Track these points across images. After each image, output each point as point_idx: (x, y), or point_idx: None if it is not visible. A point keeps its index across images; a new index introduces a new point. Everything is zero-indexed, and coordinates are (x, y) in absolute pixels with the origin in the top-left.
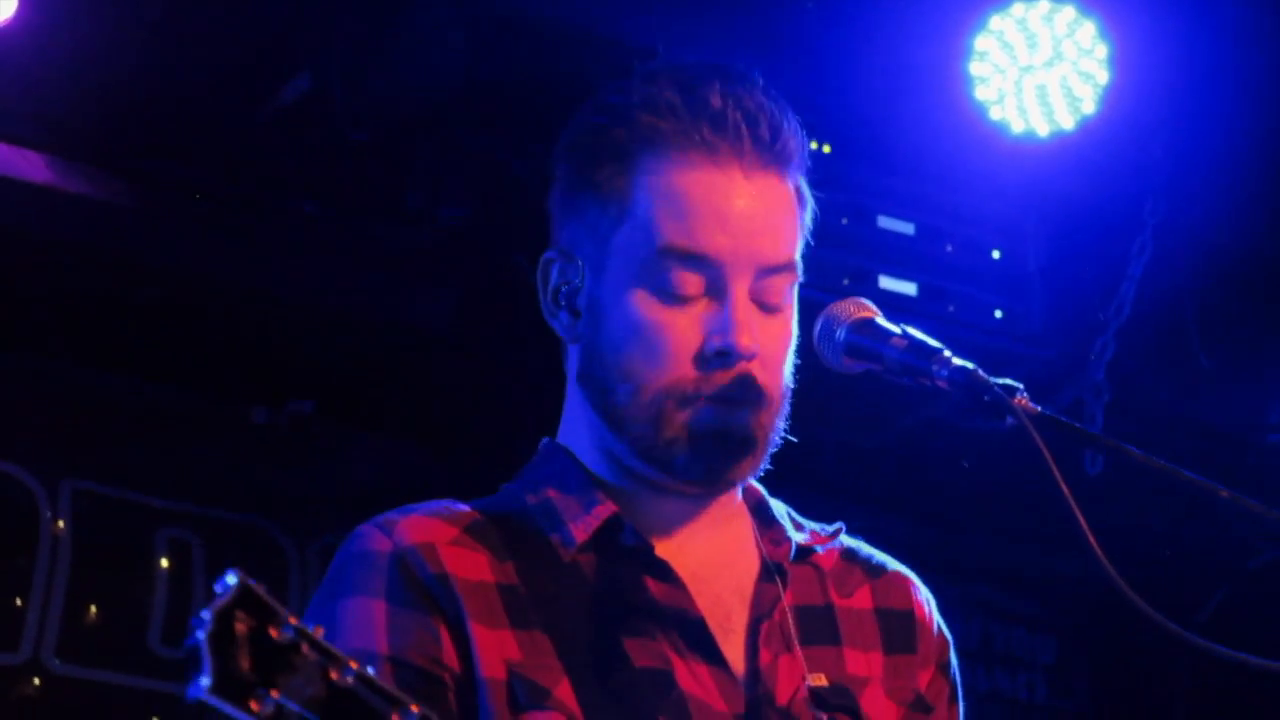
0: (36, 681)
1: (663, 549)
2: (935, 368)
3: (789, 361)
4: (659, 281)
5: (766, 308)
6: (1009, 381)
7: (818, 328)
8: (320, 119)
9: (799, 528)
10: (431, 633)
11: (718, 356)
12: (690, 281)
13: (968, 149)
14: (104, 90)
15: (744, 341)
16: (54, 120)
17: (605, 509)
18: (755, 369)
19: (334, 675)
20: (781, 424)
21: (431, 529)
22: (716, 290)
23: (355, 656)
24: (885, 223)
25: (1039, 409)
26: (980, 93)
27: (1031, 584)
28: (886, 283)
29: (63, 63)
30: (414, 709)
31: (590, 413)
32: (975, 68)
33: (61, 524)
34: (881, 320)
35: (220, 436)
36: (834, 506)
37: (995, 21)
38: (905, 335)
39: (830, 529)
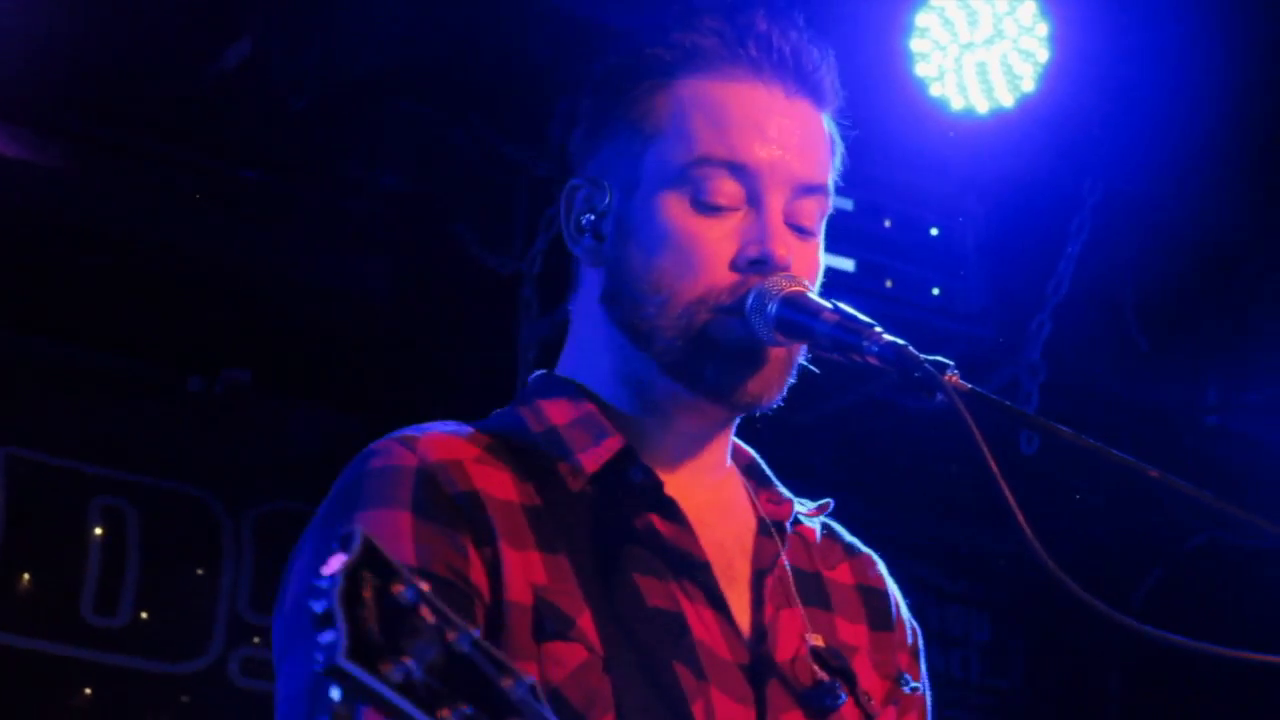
0: None
1: (669, 488)
2: (866, 343)
3: (818, 290)
4: (694, 190)
5: (799, 230)
6: (939, 358)
7: (749, 301)
8: (260, 85)
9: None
10: (459, 549)
11: (752, 265)
12: (726, 191)
13: (907, 125)
14: (42, 53)
15: (780, 251)
16: None
17: (615, 441)
18: None
19: (450, 637)
20: (802, 354)
21: (456, 446)
22: (752, 201)
23: None
24: None
25: (970, 386)
26: (920, 69)
27: (966, 562)
28: (824, 258)
29: (1, 26)
30: (526, 677)
31: (614, 332)
32: (916, 44)
33: None
34: (813, 295)
35: (156, 405)
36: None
37: None
38: (836, 310)
39: (818, 504)
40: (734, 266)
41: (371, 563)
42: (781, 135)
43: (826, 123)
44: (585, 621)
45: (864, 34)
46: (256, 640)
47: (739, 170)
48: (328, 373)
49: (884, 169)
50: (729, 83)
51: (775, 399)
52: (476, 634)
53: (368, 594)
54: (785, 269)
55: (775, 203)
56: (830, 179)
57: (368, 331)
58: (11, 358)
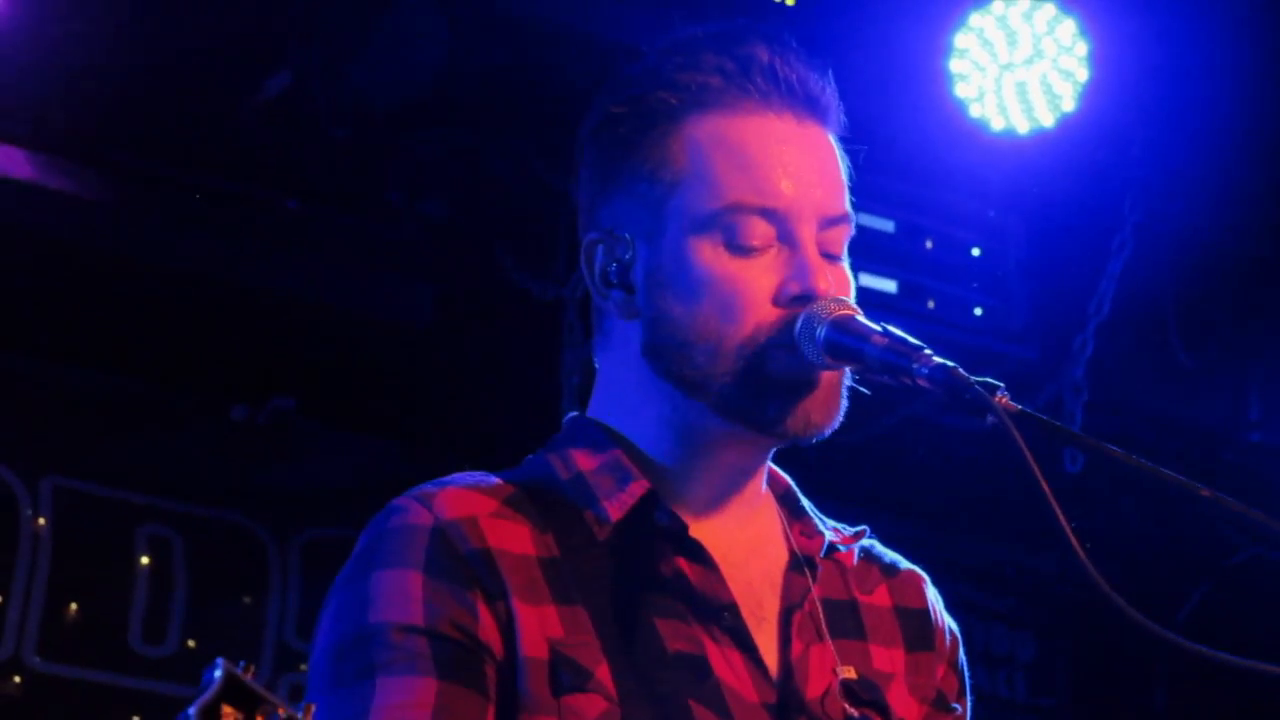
0: (17, 679)
1: (696, 530)
2: (916, 366)
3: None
4: (727, 235)
5: (830, 258)
6: (989, 380)
7: (798, 325)
8: (302, 115)
9: (823, 524)
10: (469, 609)
11: (796, 301)
12: (759, 232)
13: (948, 146)
14: (85, 86)
15: (822, 285)
16: (35, 116)
17: (640, 486)
18: None
19: None
20: (849, 376)
21: (472, 501)
22: (784, 237)
23: (391, 629)
24: (865, 220)
25: (1019, 407)
26: (960, 90)
27: (1011, 581)
28: (866, 280)
29: (44, 58)
30: None
31: (661, 383)
32: (955, 65)
33: (43, 521)
34: (862, 318)
35: (201, 433)
36: (815, 503)
37: (975, 19)
38: (886, 333)
39: (854, 530)
40: (777, 302)
41: (232, 695)
42: (801, 169)
43: (835, 144)
44: (603, 672)
45: (904, 56)
46: (303, 667)
47: (769, 213)
48: (372, 400)
49: (925, 190)
50: (740, 117)
51: (833, 425)
52: None
53: None
54: (829, 297)
55: (808, 237)
56: (848, 202)
57: (411, 358)
58: (57, 388)
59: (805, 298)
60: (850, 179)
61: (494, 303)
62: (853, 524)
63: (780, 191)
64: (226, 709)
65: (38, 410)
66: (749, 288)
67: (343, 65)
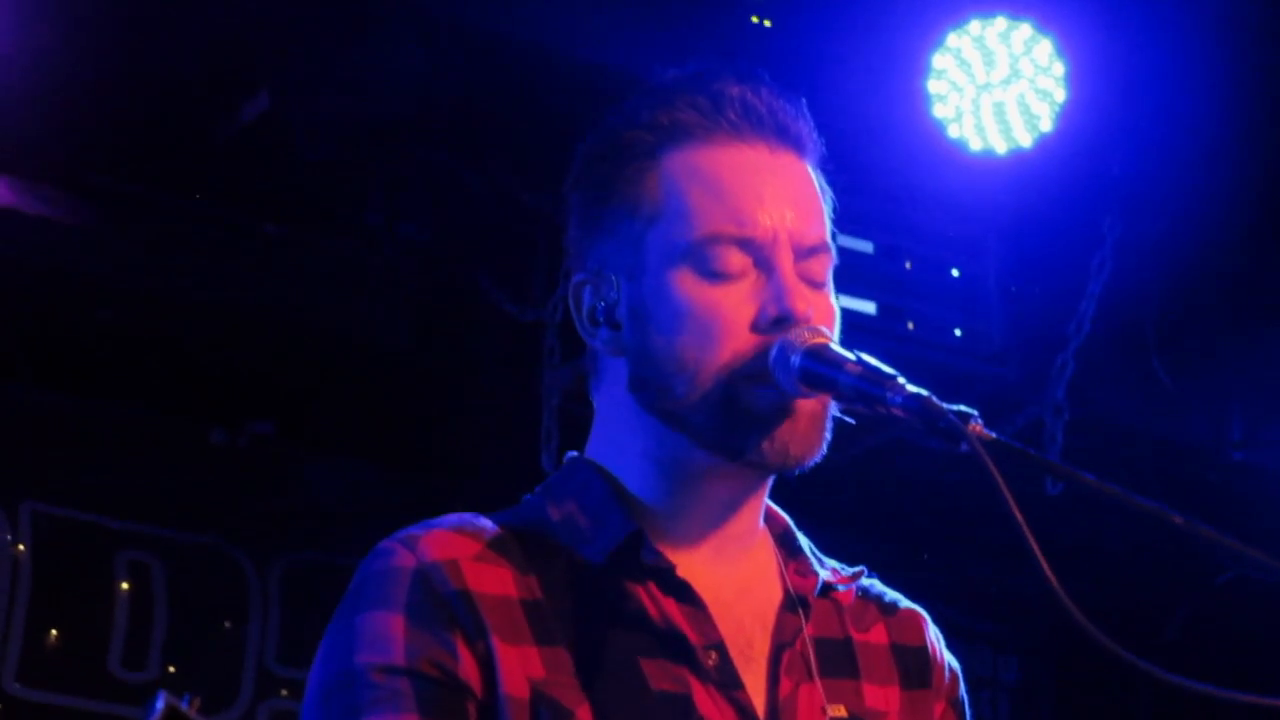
0: None
1: (685, 570)
2: (889, 395)
3: (837, 337)
4: (703, 265)
5: (812, 285)
6: (963, 408)
7: (773, 354)
8: (279, 137)
9: (821, 564)
10: (449, 649)
11: (775, 324)
12: (735, 260)
13: (926, 167)
14: (62, 110)
15: (800, 306)
16: (11, 140)
17: (628, 525)
18: None
19: None
20: (834, 405)
21: (454, 544)
22: (761, 265)
23: (374, 669)
24: (844, 241)
25: (993, 435)
26: (938, 110)
27: (995, 604)
28: (845, 301)
29: (20, 81)
30: None
31: (646, 418)
32: (933, 85)
33: (22, 547)
34: (836, 346)
35: (180, 457)
36: (796, 524)
37: (953, 39)
38: (860, 361)
39: (851, 570)
40: (755, 328)
41: None
42: (776, 198)
43: (813, 172)
44: (584, 713)
45: (882, 76)
46: (284, 692)
47: (744, 242)
48: (351, 423)
49: (903, 211)
50: (714, 149)
51: (816, 456)
52: None
53: None
54: (808, 322)
55: (786, 264)
56: (828, 231)
57: (390, 381)
58: (35, 412)
59: (783, 320)
60: (831, 209)
61: (473, 325)
62: (836, 548)
63: (756, 220)
64: None
65: (15, 435)
66: (726, 315)
67: (320, 88)
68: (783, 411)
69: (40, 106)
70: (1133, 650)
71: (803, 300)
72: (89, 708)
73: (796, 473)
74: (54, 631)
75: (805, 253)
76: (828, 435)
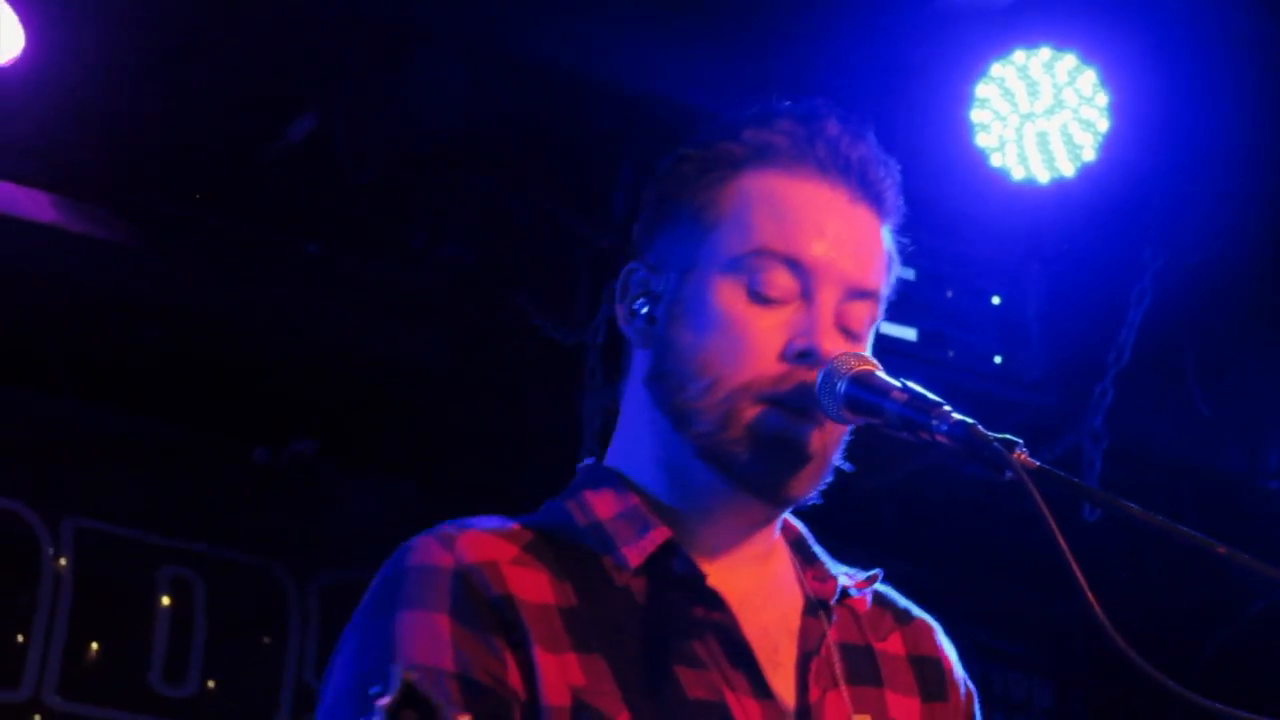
0: (38, 718)
1: (713, 578)
2: (935, 423)
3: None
4: (750, 279)
5: (848, 333)
6: (1008, 436)
7: (818, 379)
8: (324, 159)
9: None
10: (497, 654)
11: (799, 358)
12: (780, 284)
13: (969, 195)
14: (109, 129)
15: (827, 345)
16: (59, 159)
17: (659, 534)
18: None
19: None
20: (841, 450)
21: (493, 546)
22: (805, 296)
23: (420, 672)
24: None
25: (1037, 463)
26: (981, 139)
27: (1030, 628)
28: (887, 328)
29: (69, 101)
30: None
31: (656, 414)
32: (976, 114)
33: (64, 561)
34: (882, 374)
35: (223, 475)
36: (832, 549)
37: (997, 69)
38: (905, 389)
39: (867, 574)
40: (782, 358)
41: (412, 702)
42: (839, 236)
43: (885, 235)
44: None
45: (925, 105)
46: None
47: (794, 265)
48: (393, 444)
49: (946, 239)
50: (793, 179)
51: (809, 496)
52: None
53: None
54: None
55: (827, 300)
56: (883, 289)
57: (432, 402)
58: (80, 430)
59: (809, 354)
60: (894, 276)
61: (515, 347)
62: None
63: (809, 247)
64: (407, 715)
65: (60, 451)
66: (759, 337)
67: (366, 111)
68: (788, 444)
69: (89, 126)
70: (1166, 677)
71: (831, 340)
72: None
73: (784, 508)
74: (95, 645)
75: (852, 294)
76: (829, 477)
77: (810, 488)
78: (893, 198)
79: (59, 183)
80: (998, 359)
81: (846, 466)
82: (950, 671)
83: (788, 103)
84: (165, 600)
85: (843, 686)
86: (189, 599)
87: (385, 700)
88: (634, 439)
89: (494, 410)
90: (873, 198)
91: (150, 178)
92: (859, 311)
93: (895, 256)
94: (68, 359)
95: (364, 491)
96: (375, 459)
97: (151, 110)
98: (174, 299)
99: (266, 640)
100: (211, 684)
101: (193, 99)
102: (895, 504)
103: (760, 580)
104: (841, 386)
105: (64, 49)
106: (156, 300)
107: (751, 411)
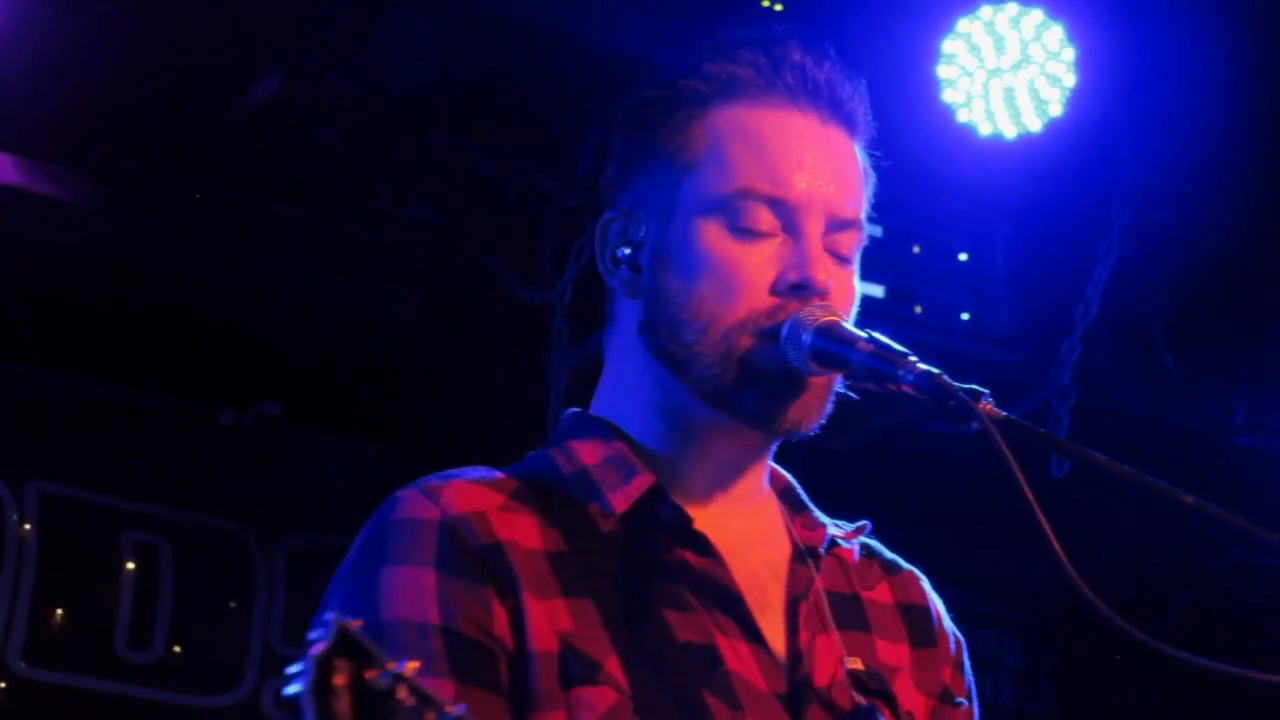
0: (2, 685)
1: (701, 522)
2: (900, 373)
3: (853, 319)
4: (733, 218)
5: (839, 259)
6: (974, 386)
7: (784, 331)
8: (290, 119)
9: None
10: (483, 603)
11: (793, 290)
12: (765, 218)
13: (936, 151)
14: (73, 91)
15: (820, 275)
16: (22, 120)
17: (645, 479)
18: None
19: (429, 718)
20: (841, 380)
21: (479, 496)
22: (791, 229)
23: (405, 626)
24: None
25: (1004, 414)
26: (948, 95)
27: (998, 586)
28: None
29: (31, 63)
30: None
31: (651, 362)
32: (943, 70)
33: (28, 526)
34: (848, 325)
35: (188, 438)
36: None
37: (963, 24)
38: (871, 339)
39: (855, 525)
40: (774, 291)
41: (346, 649)
42: (818, 165)
43: (859, 153)
44: (613, 664)
45: (892, 60)
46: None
47: (777, 202)
48: (359, 405)
49: (913, 195)
50: (765, 110)
51: (815, 425)
52: (461, 710)
53: (340, 681)
54: (825, 294)
55: (814, 232)
56: (864, 211)
57: (399, 363)
58: (43, 393)
59: (802, 286)
60: (871, 192)
61: (482, 307)
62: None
63: (791, 182)
64: (339, 661)
65: (24, 415)
66: (748, 272)
67: (332, 70)
68: (788, 377)
69: (52, 87)
70: (1132, 627)
71: (824, 271)
72: (94, 687)
73: (793, 438)
74: (60, 611)
75: (837, 225)
76: (829, 407)
77: (814, 416)
78: (862, 114)
79: (22, 143)
80: (965, 315)
81: (852, 395)
82: (939, 620)
83: (743, 31)
84: (130, 565)
85: (833, 631)
86: (154, 563)
87: (319, 648)
88: (624, 387)
89: (461, 369)
90: (844, 118)
91: (114, 138)
92: (846, 239)
93: (870, 171)
94: (30, 322)
95: (331, 453)
96: (342, 420)
97: (115, 71)
98: (138, 261)
99: (232, 604)
100: (177, 648)
101: (157, 58)
102: (863, 462)
103: (748, 526)
104: (807, 338)
105: (27, 12)
106: (121, 262)
107: (751, 348)
